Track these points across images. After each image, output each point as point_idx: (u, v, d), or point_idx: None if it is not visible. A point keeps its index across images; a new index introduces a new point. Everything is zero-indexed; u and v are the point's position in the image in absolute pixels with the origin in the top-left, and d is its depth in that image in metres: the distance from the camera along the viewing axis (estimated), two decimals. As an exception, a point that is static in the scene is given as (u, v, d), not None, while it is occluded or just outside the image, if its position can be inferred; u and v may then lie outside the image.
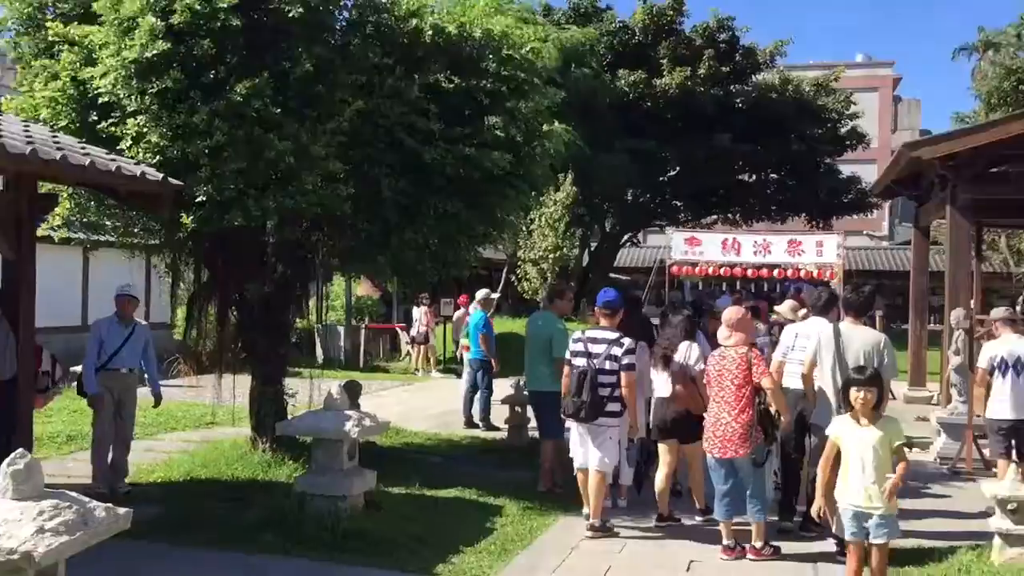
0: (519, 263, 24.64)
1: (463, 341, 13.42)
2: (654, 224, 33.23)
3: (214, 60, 7.29)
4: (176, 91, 7.21)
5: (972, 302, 12.51)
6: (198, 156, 7.18)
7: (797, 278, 22.99)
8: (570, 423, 7.38)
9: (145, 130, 7.23)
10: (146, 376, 8.34)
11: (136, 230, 9.09)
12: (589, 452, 7.15)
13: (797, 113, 28.70)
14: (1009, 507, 6.11)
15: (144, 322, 8.68)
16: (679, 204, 31.11)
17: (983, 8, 75.73)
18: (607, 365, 7.08)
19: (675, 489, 8.77)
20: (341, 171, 7.56)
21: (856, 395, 5.51)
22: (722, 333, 6.85)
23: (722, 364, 6.73)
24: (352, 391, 9.37)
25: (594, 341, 7.21)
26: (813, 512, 6.15)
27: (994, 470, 8.78)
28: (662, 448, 7.61)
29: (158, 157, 7.20)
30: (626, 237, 33.53)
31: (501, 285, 26.25)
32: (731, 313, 6.90)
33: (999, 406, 8.11)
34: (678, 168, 28.85)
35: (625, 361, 7.07)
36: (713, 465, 6.76)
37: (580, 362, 7.15)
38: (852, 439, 5.52)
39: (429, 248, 8.58)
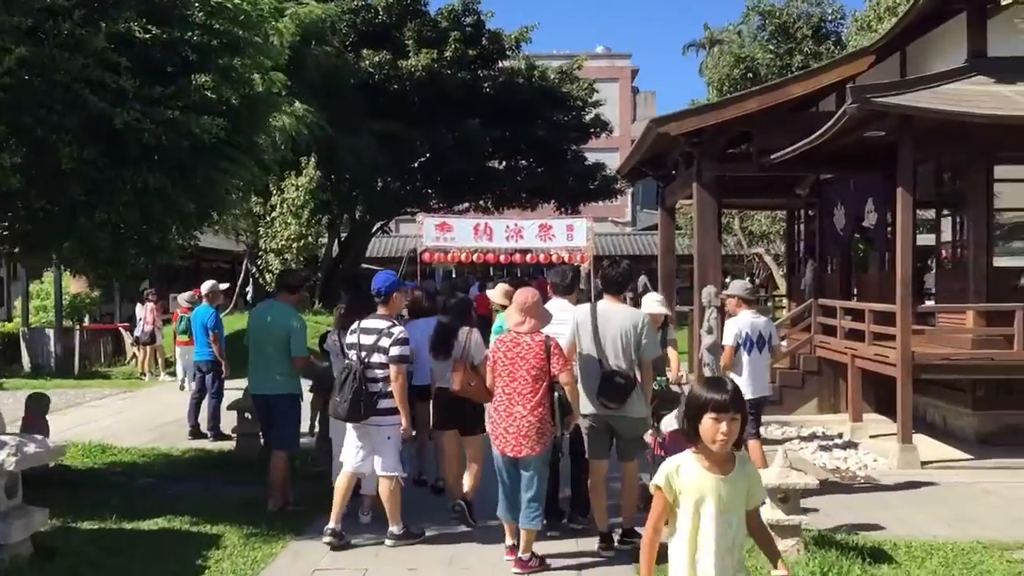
0: (260, 253, 22.90)
1: (181, 338, 11.96)
2: (405, 212, 32.37)
3: None
4: None
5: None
6: None
7: (549, 263, 22.90)
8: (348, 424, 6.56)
9: None
10: None
11: None
12: (365, 455, 6.43)
13: (543, 99, 28.92)
14: (779, 496, 5.70)
15: None
16: (430, 191, 30.54)
17: (710, 6, 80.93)
18: (375, 358, 6.38)
19: (421, 479, 7.97)
20: (3, 135, 6.10)
21: (715, 427, 3.29)
22: (514, 318, 6.04)
23: (515, 351, 5.91)
24: (36, 406, 7.85)
25: (367, 332, 6.50)
26: None
27: (744, 450, 8.58)
28: (444, 439, 7.04)
29: None
30: (377, 225, 32.53)
31: (241, 277, 24.44)
32: (525, 296, 6.03)
33: (743, 385, 7.86)
34: (428, 154, 28.20)
35: (393, 352, 6.34)
36: (501, 463, 5.96)
37: (352, 355, 6.49)
38: (705, 495, 3.36)
39: (129, 231, 7.27)
